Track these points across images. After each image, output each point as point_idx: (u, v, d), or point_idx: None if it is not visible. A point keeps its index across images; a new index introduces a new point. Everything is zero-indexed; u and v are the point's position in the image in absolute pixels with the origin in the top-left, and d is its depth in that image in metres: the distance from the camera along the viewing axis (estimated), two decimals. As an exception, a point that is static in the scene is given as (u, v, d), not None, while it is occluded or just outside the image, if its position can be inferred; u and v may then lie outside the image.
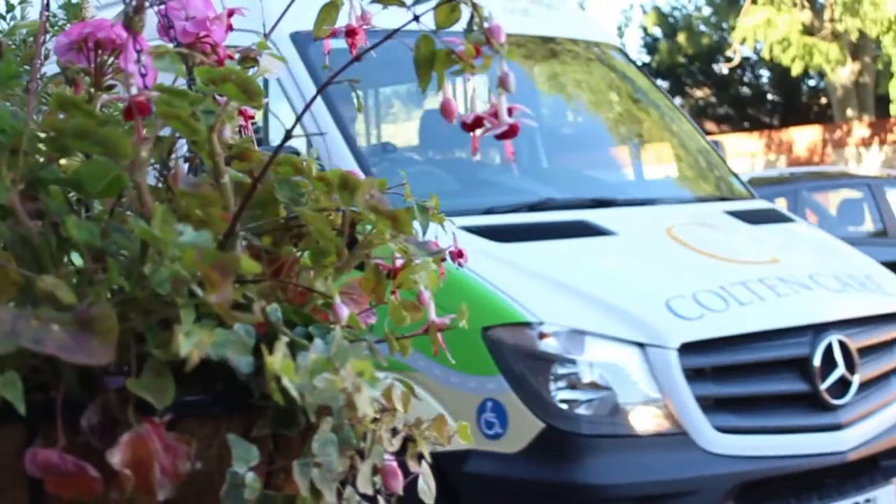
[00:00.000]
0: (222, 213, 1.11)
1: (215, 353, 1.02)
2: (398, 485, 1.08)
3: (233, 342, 1.03)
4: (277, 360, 0.98)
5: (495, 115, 1.14)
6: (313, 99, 1.21)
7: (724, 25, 27.82)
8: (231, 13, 1.29)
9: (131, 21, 1.11)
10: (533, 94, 6.06)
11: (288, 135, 1.13)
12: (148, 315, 1.06)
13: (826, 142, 22.19)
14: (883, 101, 22.94)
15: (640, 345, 4.02)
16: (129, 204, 1.22)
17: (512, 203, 4.73)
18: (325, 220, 1.18)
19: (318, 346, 1.09)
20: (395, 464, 1.09)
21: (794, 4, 21.06)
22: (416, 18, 1.16)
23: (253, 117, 1.37)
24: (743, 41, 21.77)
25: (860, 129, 22.28)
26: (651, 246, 4.69)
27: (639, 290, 4.28)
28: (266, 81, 4.70)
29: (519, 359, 4.01)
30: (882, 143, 21.82)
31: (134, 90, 1.10)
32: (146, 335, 1.07)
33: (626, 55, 6.41)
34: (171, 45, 1.30)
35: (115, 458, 0.95)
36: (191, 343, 0.95)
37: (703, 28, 29.45)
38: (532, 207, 4.73)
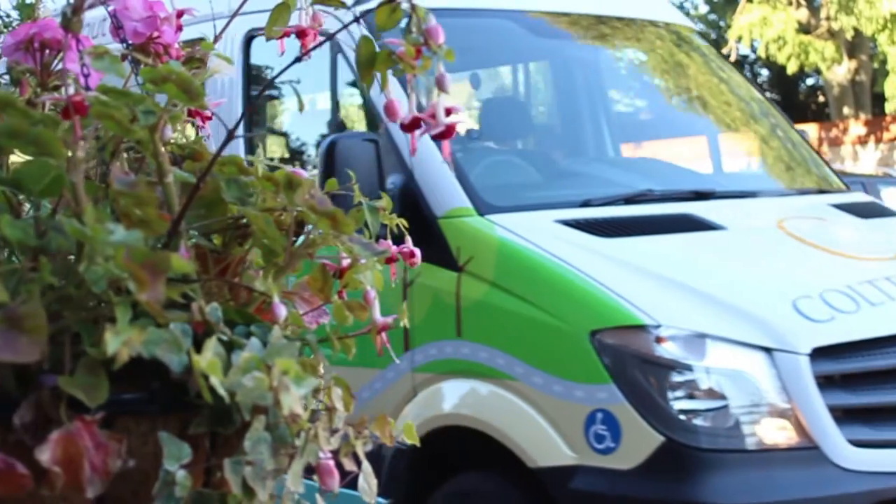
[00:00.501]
0: (161, 213, 1.11)
1: (146, 351, 1.02)
2: (334, 483, 1.09)
3: (165, 340, 1.03)
4: (204, 358, 0.99)
5: (434, 115, 1.14)
6: (257, 96, 1.21)
7: (722, 23, 27.81)
8: (181, 14, 1.29)
9: (69, 22, 1.11)
10: (617, 78, 5.93)
11: (230, 135, 1.13)
12: (84, 313, 1.06)
13: (822, 140, 22.20)
14: (879, 99, 22.94)
15: (767, 350, 3.72)
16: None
17: (608, 195, 4.52)
18: (269, 219, 1.18)
19: (254, 344, 1.10)
20: (331, 462, 1.09)
21: (790, 3, 21.07)
22: (357, 19, 1.16)
23: (210, 118, 1.37)
24: (739, 39, 21.77)
25: (856, 128, 22.29)
26: (765, 241, 4.43)
27: (761, 289, 3.98)
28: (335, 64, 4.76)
29: (634, 365, 3.74)
30: (878, 141, 21.83)
31: (72, 90, 1.11)
32: (82, 333, 1.08)
33: (706, 39, 6.09)
34: (118, 46, 1.30)
35: (45, 455, 0.96)
36: (118, 341, 0.95)
37: (700, 26, 29.47)
38: (629, 200, 4.54)
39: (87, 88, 1.17)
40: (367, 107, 4.87)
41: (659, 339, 3.71)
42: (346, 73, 4.88)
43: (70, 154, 1.06)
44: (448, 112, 1.13)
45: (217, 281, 1.16)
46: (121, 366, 1.05)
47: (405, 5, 1.13)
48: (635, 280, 3.91)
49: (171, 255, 1.02)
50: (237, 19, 1.43)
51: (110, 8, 1.22)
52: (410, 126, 1.11)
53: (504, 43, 5.44)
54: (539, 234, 4.08)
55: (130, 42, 1.25)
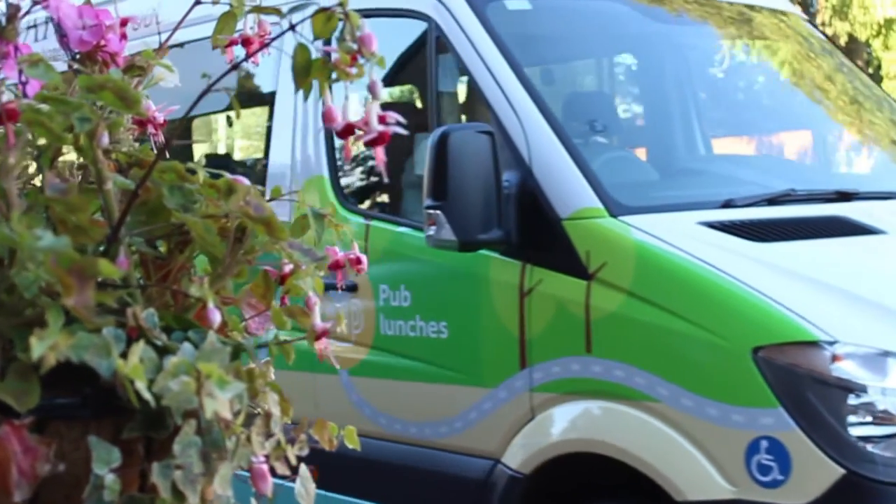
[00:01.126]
0: (95, 219, 1.12)
1: (75, 355, 1.03)
2: (267, 487, 1.09)
3: (94, 345, 1.04)
4: (129, 363, 1.00)
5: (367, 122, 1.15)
6: (195, 104, 1.22)
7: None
8: (125, 22, 1.31)
9: (3, 30, 1.13)
10: (723, 67, 5.47)
11: (168, 143, 1.14)
12: (16, 319, 1.07)
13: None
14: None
15: None
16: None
17: (751, 195, 4.10)
18: (209, 226, 1.19)
19: (186, 349, 1.11)
20: (265, 466, 1.10)
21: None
22: (293, 28, 1.17)
23: (163, 125, 1.39)
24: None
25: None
26: None
27: None
28: (437, 59, 4.43)
29: (806, 387, 3.32)
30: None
31: (6, 97, 1.12)
32: (14, 339, 1.09)
33: (820, 30, 5.63)
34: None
35: (-30, 459, 0.97)
36: (44, 346, 0.96)
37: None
38: (771, 201, 4.12)
39: (25, 95, 1.18)
40: (473, 96, 4.51)
41: (836, 358, 3.31)
42: (447, 63, 4.48)
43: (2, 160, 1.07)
44: (382, 119, 1.13)
45: (157, 287, 1.17)
46: (51, 370, 1.05)
47: (340, 13, 1.13)
48: (803, 290, 3.52)
49: (98, 260, 1.03)
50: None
51: (54, 17, 1.23)
52: (344, 133, 1.12)
53: (618, 28, 5.09)
54: (683, 237, 3.71)
55: (76, 50, 1.27)
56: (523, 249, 3.88)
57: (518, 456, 3.91)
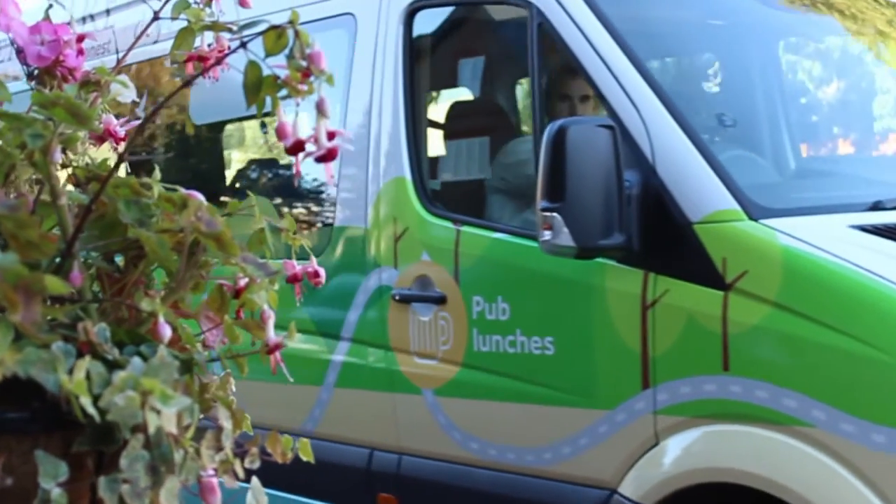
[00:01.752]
0: (47, 234, 1.14)
1: (22, 370, 1.05)
2: (216, 500, 1.11)
3: (42, 360, 1.06)
4: (74, 378, 1.02)
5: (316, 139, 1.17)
6: (145, 121, 1.23)
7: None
8: (81, 38, 1.33)
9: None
10: (856, 62, 5.05)
11: (121, 158, 1.16)
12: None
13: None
14: None
15: None
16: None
17: None
18: (163, 240, 1.21)
19: (135, 364, 1.13)
20: (214, 480, 1.11)
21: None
22: (244, 45, 1.19)
23: (124, 139, 1.40)
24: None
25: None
26: None
27: None
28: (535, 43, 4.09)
29: None
30: None
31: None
32: (-36, 353, 1.11)
33: None
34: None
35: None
36: (-14, 361, 0.98)
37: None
38: None
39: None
40: (582, 89, 4.30)
41: None
42: (552, 53, 4.26)
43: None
44: (331, 136, 1.15)
45: (111, 301, 1.19)
46: (1, 385, 1.07)
47: (290, 30, 1.15)
48: None
49: (44, 276, 1.05)
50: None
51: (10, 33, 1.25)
52: (293, 149, 1.14)
53: (736, 16, 4.73)
54: (836, 242, 3.42)
55: (34, 65, 1.28)
56: (646, 256, 3.62)
57: (638, 486, 3.65)
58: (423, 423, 4.30)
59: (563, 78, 4.38)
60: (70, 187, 1.31)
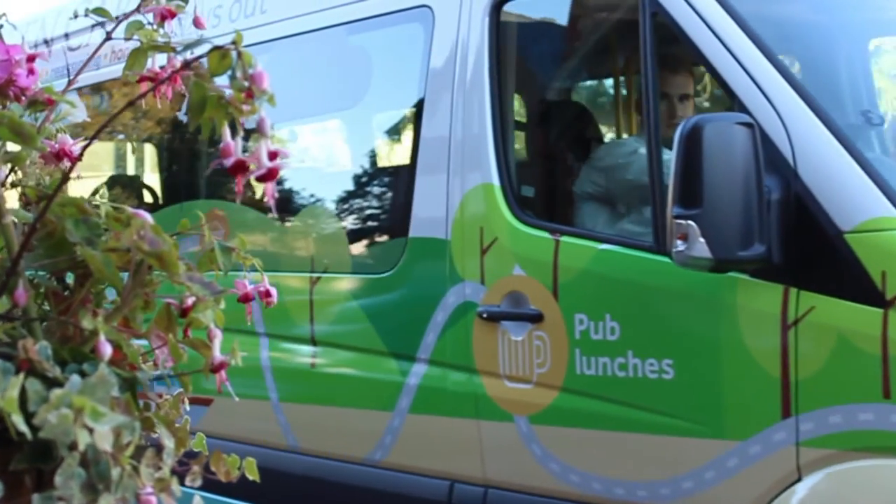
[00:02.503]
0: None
1: (-46, 388, 1.06)
2: (154, 518, 1.12)
3: (-24, 378, 1.08)
4: (6, 395, 1.03)
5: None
6: (90, 140, 1.25)
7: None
8: (32, 58, 1.34)
9: None
10: None
11: (65, 177, 1.18)
12: None
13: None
14: None
15: None
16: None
17: None
18: (107, 258, 1.23)
19: (74, 382, 1.15)
20: (153, 499, 1.13)
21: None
22: (188, 64, 1.20)
23: (80, 159, 1.42)
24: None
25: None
26: None
27: None
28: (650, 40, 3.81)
29: None
30: None
31: None
32: None
33: None
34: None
35: None
36: (-86, 378, 1.00)
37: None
38: None
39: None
40: (705, 85, 4.17)
41: None
42: (668, 45, 4.01)
43: None
44: (273, 156, 1.17)
45: (56, 320, 1.20)
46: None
47: (234, 51, 1.17)
48: None
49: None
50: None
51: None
52: (234, 169, 1.16)
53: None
54: None
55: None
56: (787, 270, 3.37)
57: None
58: (513, 452, 4.06)
59: (664, 74, 4.12)
60: (16, 205, 1.32)
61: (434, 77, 4.39)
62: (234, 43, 1.28)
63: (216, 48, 1.28)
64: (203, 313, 1.34)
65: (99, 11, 1.34)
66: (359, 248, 4.81)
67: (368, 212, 5.01)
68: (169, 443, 1.26)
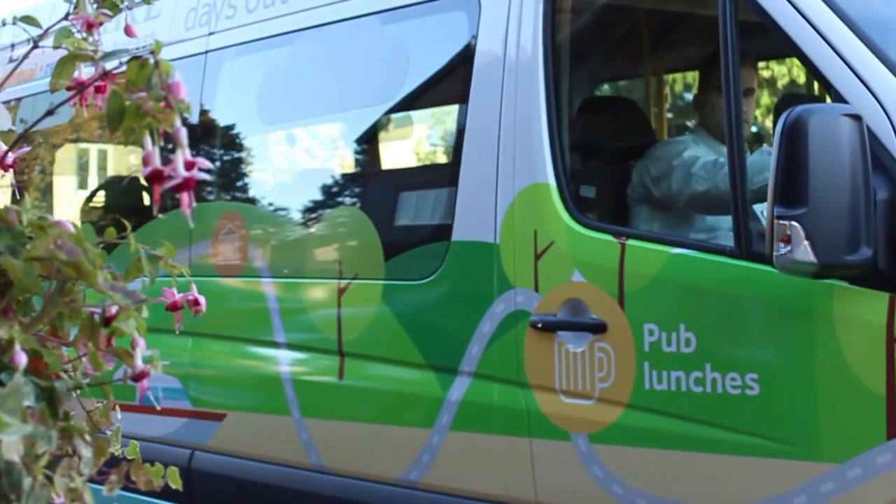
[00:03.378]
0: None
1: None
2: (64, 527, 1.14)
3: None
4: None
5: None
6: (10, 147, 1.27)
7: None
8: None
9: None
10: None
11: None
12: None
13: None
14: None
15: None
16: None
17: None
18: (29, 268, 1.25)
19: (-11, 392, 1.16)
20: (64, 507, 1.14)
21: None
22: (107, 74, 1.22)
23: (13, 166, 1.44)
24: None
25: None
26: None
27: None
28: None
29: None
30: None
31: None
32: None
33: None
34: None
35: None
36: None
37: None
38: None
39: None
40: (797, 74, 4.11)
41: None
42: (754, 31, 3.82)
43: None
44: (190, 165, 1.18)
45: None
46: None
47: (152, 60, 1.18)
48: None
49: None
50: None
51: None
52: (151, 177, 1.17)
53: None
54: None
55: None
56: (894, 276, 3.18)
57: None
58: (571, 474, 3.85)
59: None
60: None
61: (481, 68, 4.20)
62: (152, 52, 1.29)
63: (135, 58, 1.30)
64: (125, 322, 1.36)
65: (27, 20, 1.36)
66: (394, 252, 4.56)
67: (405, 213, 4.86)
68: (86, 452, 1.28)
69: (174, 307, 1.50)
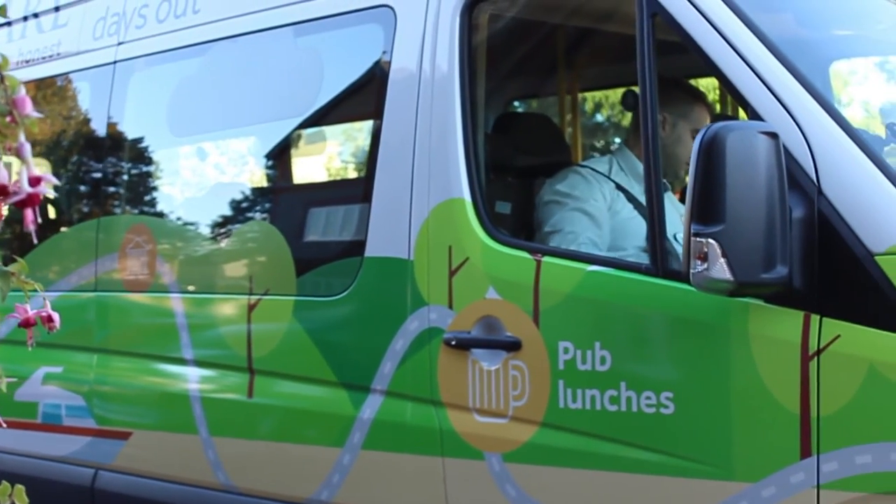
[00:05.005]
0: None
1: None
2: None
3: None
4: None
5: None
6: None
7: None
8: None
9: None
10: None
11: None
12: None
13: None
14: None
15: None
16: None
17: None
18: None
19: None
20: None
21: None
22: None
23: None
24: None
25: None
26: None
27: None
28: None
29: None
30: None
31: None
32: None
33: None
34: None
35: None
36: None
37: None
38: None
39: None
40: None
41: None
42: (671, 48, 3.90)
43: None
44: (35, 181, 1.20)
45: None
46: None
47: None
48: None
49: None
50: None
51: None
52: (-5, 193, 1.19)
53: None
54: None
55: None
56: (809, 295, 3.22)
57: None
58: (484, 494, 3.87)
59: (686, 78, 4.16)
60: None
61: (396, 82, 4.24)
62: (-1, 68, 1.31)
63: (-19, 75, 1.31)
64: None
65: None
66: (306, 267, 4.60)
67: (317, 228, 4.85)
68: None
69: (27, 324, 1.51)
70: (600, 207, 4.29)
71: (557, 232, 4.22)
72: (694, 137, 4.08)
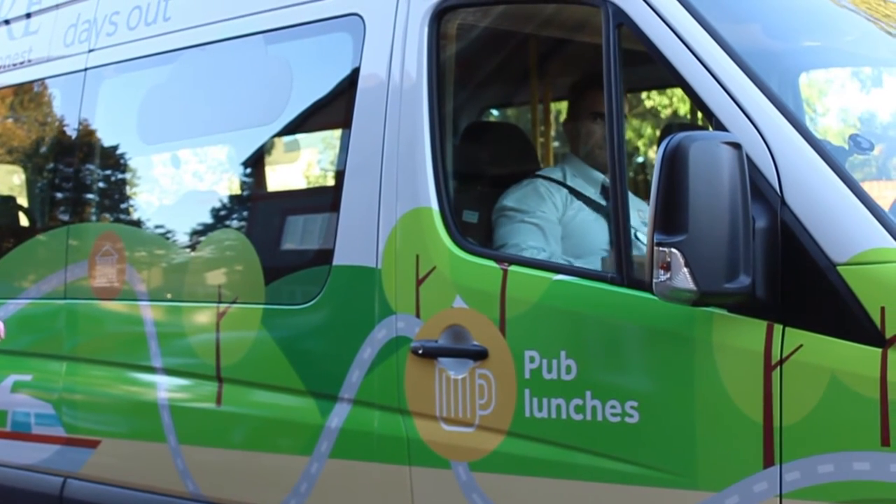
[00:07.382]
0: None
1: None
2: None
3: None
4: None
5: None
6: None
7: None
8: None
9: None
10: None
11: None
12: None
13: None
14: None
15: None
16: None
17: None
18: None
19: None
20: None
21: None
22: None
23: None
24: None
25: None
26: None
27: None
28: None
29: None
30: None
31: None
32: None
33: None
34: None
35: None
36: None
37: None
38: None
39: None
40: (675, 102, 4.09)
41: None
42: (636, 61, 3.91)
43: None
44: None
45: None
46: None
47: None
48: None
49: None
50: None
51: None
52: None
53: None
54: None
55: None
56: (772, 304, 3.31)
57: None
58: (450, 503, 3.94)
59: (594, 92, 4.12)
60: None
61: (364, 91, 4.31)
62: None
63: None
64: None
65: None
66: (274, 276, 4.67)
67: (286, 236, 4.93)
68: None
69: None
70: (549, 218, 4.40)
71: (504, 245, 4.32)
72: (591, 120, 4.44)
